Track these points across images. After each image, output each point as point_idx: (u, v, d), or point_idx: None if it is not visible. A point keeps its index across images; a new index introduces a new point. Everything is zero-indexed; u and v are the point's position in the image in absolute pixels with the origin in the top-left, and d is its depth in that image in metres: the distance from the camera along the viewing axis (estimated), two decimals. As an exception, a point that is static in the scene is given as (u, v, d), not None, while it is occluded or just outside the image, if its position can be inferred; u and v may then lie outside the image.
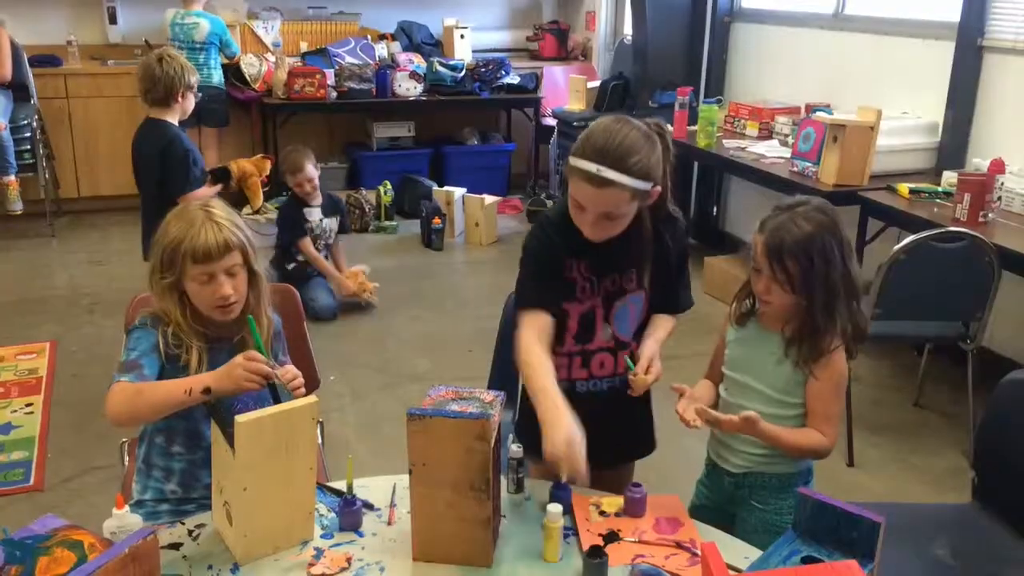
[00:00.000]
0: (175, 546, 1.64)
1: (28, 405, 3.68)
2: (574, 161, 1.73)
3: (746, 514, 1.96)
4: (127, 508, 1.58)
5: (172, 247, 1.80)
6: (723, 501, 2.02)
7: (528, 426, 1.83)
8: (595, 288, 1.90)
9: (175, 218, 1.84)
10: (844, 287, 1.83)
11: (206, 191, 3.74)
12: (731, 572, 1.19)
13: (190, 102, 3.62)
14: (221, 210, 1.86)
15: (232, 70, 6.29)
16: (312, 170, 4.62)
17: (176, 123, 3.63)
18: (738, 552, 1.64)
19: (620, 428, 1.99)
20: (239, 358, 1.65)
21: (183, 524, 1.72)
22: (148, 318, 1.86)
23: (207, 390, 1.66)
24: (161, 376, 1.80)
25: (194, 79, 3.61)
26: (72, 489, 3.10)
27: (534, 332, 1.80)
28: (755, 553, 1.60)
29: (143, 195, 3.74)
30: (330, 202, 4.80)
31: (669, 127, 1.88)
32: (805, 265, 1.80)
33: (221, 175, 4.08)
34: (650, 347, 1.94)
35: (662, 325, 2.01)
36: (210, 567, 1.59)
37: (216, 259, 1.79)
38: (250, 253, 1.86)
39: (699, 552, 1.59)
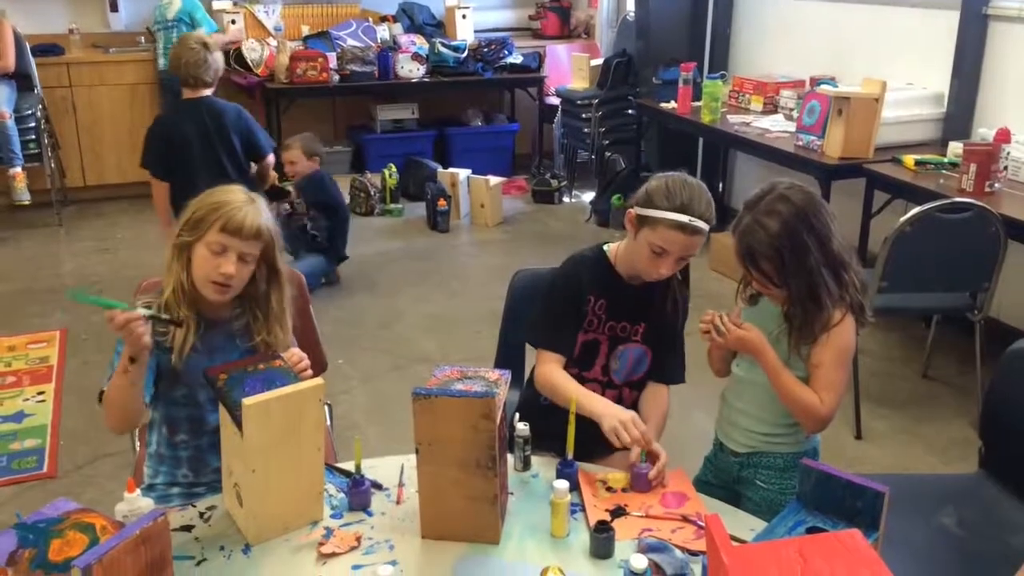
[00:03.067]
0: (187, 528, 1.66)
1: (40, 393, 3.71)
2: (663, 215, 1.92)
3: (751, 493, 1.97)
4: (138, 491, 1.60)
5: (209, 208, 1.82)
6: (729, 481, 2.03)
7: (530, 415, 1.91)
8: (602, 324, 2.10)
9: (217, 191, 1.87)
10: (828, 266, 1.81)
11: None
12: (735, 544, 1.20)
13: None
14: (260, 202, 1.90)
15: (234, 55, 6.28)
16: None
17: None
18: (744, 524, 1.66)
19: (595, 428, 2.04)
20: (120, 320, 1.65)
21: (194, 507, 1.74)
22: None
23: (131, 359, 1.70)
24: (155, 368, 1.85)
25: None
26: (85, 475, 3.13)
27: (553, 365, 2.07)
28: (760, 526, 1.62)
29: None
30: None
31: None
32: (778, 262, 1.80)
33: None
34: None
35: (659, 407, 2.11)
36: (222, 548, 1.61)
37: (244, 237, 1.80)
38: (274, 249, 1.88)
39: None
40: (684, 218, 1.91)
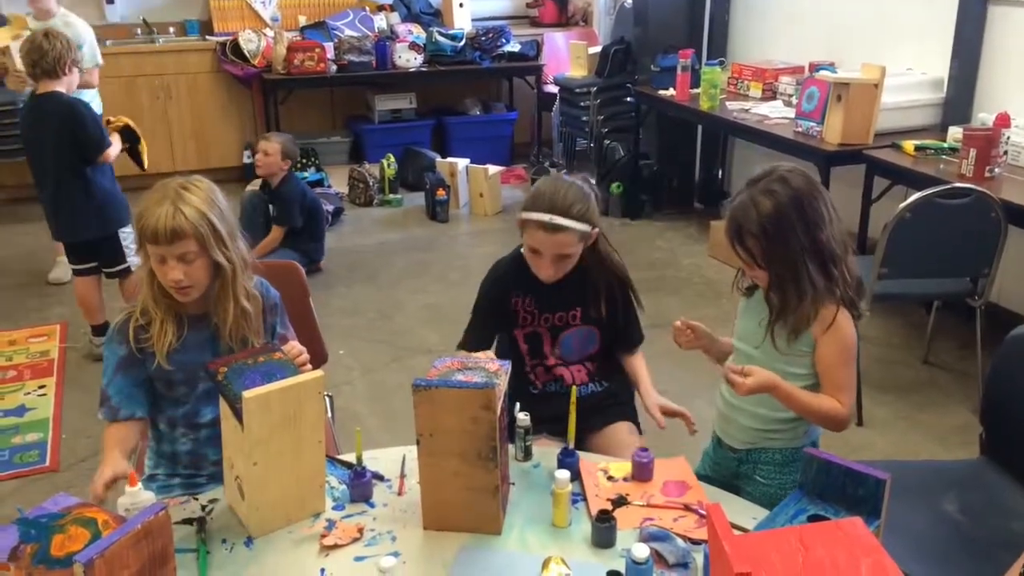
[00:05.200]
0: (189, 521, 1.66)
1: (41, 387, 3.71)
2: (528, 215, 2.02)
3: (751, 489, 1.96)
4: (140, 485, 1.60)
5: (136, 218, 1.80)
6: (728, 476, 2.02)
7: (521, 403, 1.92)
8: (536, 319, 2.17)
9: (154, 190, 1.82)
10: (813, 256, 1.78)
11: (114, 150, 3.78)
12: (737, 532, 1.20)
13: (76, 76, 3.73)
14: (196, 193, 1.80)
15: (231, 46, 6.26)
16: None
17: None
18: (745, 513, 1.66)
19: (583, 409, 2.06)
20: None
21: (196, 499, 1.74)
22: (116, 327, 1.88)
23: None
24: (149, 377, 1.88)
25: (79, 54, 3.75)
26: (87, 469, 3.13)
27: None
28: (762, 514, 1.62)
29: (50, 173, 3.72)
30: None
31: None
32: (763, 242, 1.78)
33: (129, 135, 3.96)
34: (653, 398, 2.15)
35: (640, 367, 2.26)
36: (224, 541, 1.61)
37: (163, 243, 1.75)
38: (210, 243, 1.79)
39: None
40: (545, 217, 1.97)
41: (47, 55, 3.58)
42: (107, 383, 1.85)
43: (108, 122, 3.90)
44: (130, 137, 3.97)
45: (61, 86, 3.65)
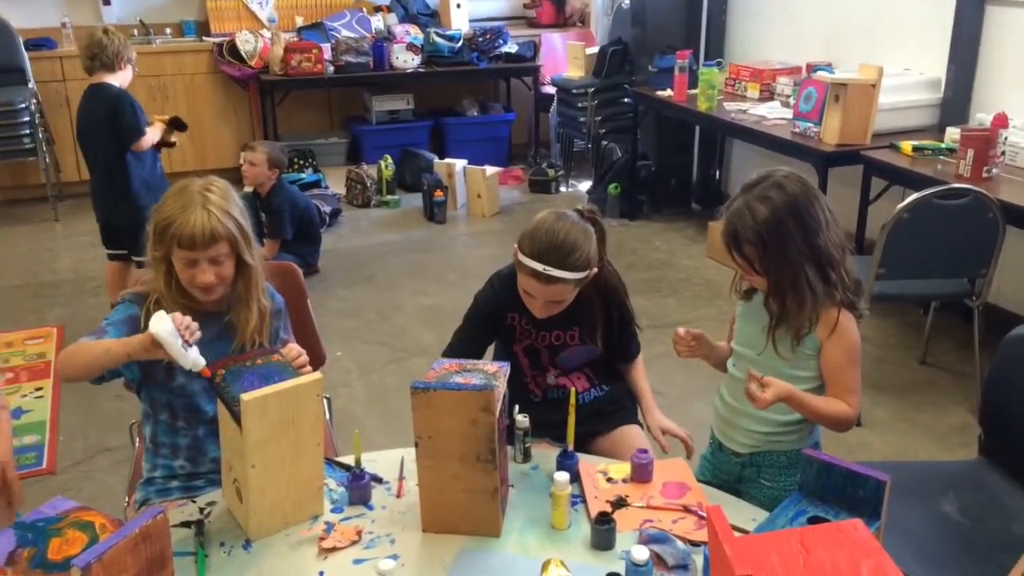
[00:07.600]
0: (187, 524, 1.65)
1: (38, 389, 3.70)
2: (523, 259, 1.94)
3: (755, 492, 1.95)
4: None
5: (163, 225, 1.79)
6: (730, 480, 2.00)
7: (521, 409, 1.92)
8: (534, 336, 2.12)
9: (174, 194, 1.83)
10: (812, 262, 1.77)
11: (149, 138, 3.95)
12: (737, 534, 1.19)
13: (129, 73, 3.96)
14: (219, 195, 1.82)
15: (228, 47, 6.26)
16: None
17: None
18: (745, 515, 1.66)
19: (587, 414, 2.12)
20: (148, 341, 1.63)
21: (194, 502, 1.74)
22: (131, 295, 1.89)
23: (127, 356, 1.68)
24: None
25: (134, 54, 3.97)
26: (84, 471, 3.13)
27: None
28: (762, 516, 1.61)
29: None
30: None
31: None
32: (760, 249, 1.77)
33: (178, 124, 4.16)
34: (656, 419, 2.17)
35: (640, 380, 2.25)
36: (222, 544, 1.61)
37: (200, 248, 1.77)
38: (240, 243, 1.82)
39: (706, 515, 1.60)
40: (538, 267, 1.91)
41: (107, 48, 3.81)
42: (108, 323, 1.82)
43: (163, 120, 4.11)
44: (179, 125, 4.18)
45: (115, 79, 3.87)
